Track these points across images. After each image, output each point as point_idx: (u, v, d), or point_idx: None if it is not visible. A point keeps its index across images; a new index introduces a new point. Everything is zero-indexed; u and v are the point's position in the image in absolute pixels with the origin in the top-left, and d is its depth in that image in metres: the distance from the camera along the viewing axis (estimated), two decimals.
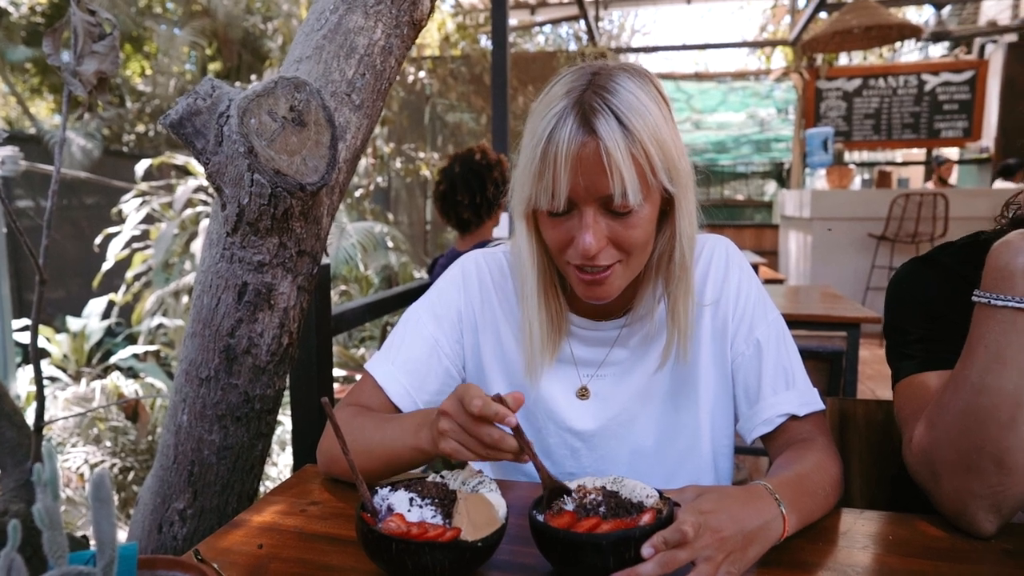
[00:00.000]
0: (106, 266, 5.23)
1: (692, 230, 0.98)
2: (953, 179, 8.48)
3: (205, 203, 5.11)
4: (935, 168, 7.72)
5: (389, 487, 0.81)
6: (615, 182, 0.87)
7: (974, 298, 0.86)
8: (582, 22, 8.42)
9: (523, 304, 1.04)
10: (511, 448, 0.79)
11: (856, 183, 9.11)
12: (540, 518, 0.75)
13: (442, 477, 0.85)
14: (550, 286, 1.04)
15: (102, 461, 3.03)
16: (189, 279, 4.77)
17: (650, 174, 0.90)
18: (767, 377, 1.04)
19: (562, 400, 1.10)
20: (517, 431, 0.79)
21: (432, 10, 1.32)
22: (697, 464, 1.11)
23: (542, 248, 1.01)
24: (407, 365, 1.09)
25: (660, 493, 0.78)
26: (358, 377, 4.40)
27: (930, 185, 7.73)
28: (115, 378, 3.92)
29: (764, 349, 1.05)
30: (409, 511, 0.77)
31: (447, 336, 1.12)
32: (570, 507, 0.77)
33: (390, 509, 0.77)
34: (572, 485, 0.82)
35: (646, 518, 0.73)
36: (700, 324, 1.08)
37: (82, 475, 3.00)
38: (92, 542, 2.35)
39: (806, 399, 1.03)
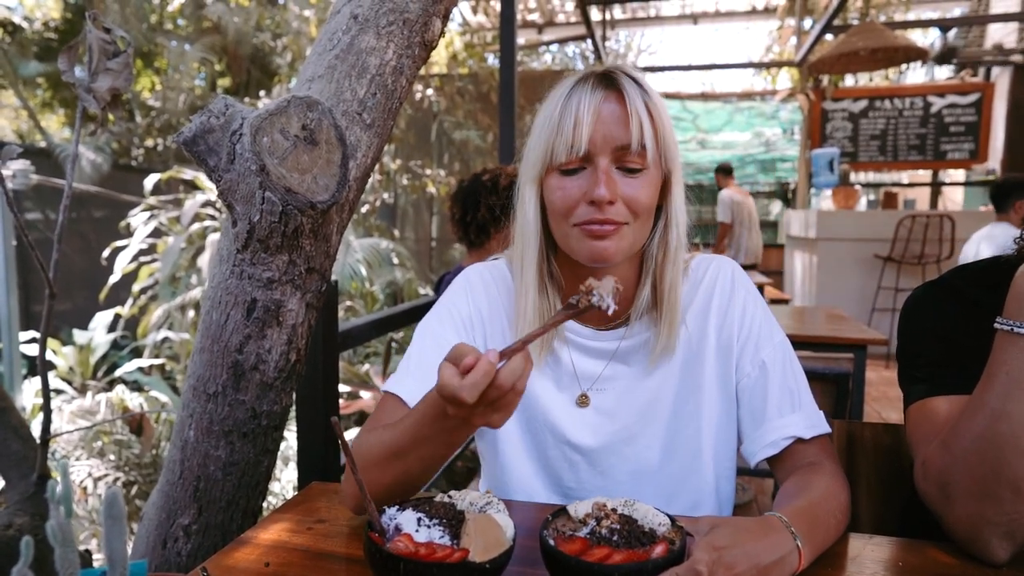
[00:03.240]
0: (113, 279, 5.25)
1: (683, 222, 1.03)
2: (959, 201, 8.48)
3: (213, 218, 5.14)
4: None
5: (397, 507, 0.81)
6: (634, 130, 0.94)
7: (996, 325, 0.85)
8: (589, 42, 8.49)
9: (520, 278, 1.06)
10: (521, 388, 0.75)
11: (862, 204, 9.13)
12: (551, 541, 0.74)
13: (450, 497, 0.84)
14: (546, 275, 1.06)
15: (106, 475, 3.02)
16: (195, 293, 4.78)
17: (661, 137, 0.98)
18: (772, 399, 1.04)
19: (562, 412, 1.09)
20: (503, 354, 0.75)
21: (443, 31, 1.34)
22: (698, 486, 1.09)
23: (544, 222, 1.05)
24: (430, 372, 1.06)
25: (672, 521, 0.78)
26: (363, 393, 4.40)
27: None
28: (120, 391, 3.93)
29: (770, 371, 1.05)
30: (417, 531, 0.76)
31: (462, 340, 1.10)
32: (583, 532, 0.77)
33: (398, 529, 0.77)
34: (586, 505, 0.81)
35: (658, 550, 0.72)
36: (705, 345, 1.08)
37: (85, 488, 2.99)
38: (95, 556, 2.35)
39: (812, 422, 1.02)
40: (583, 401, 1.09)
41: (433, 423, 0.84)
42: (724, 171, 7.55)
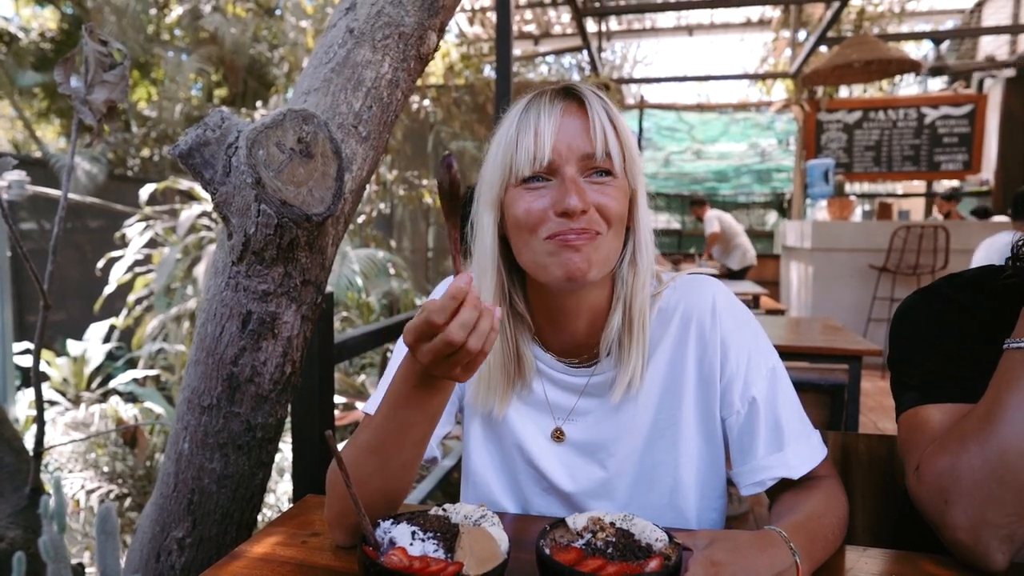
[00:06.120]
0: (108, 290, 5.23)
1: (650, 242, 1.00)
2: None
3: (208, 228, 5.13)
4: (939, 202, 7.72)
5: (391, 520, 0.81)
6: (598, 137, 0.92)
7: (1006, 345, 0.85)
8: (585, 53, 8.52)
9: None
10: (491, 323, 0.74)
11: (857, 214, 9.16)
12: (547, 551, 0.74)
13: (444, 510, 0.84)
14: (507, 306, 1.03)
15: (99, 487, 3.01)
16: (191, 304, 4.77)
17: (627, 149, 0.95)
18: (761, 437, 0.99)
19: (535, 444, 1.06)
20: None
21: (438, 45, 1.34)
22: (676, 521, 1.04)
23: (504, 252, 1.01)
24: None
25: (670, 536, 0.77)
26: (358, 404, 4.39)
27: (940, 216, 7.78)
28: (114, 403, 3.91)
29: (761, 408, 0.99)
30: (411, 545, 0.76)
31: None
32: (579, 543, 0.77)
33: (392, 542, 0.77)
34: (584, 517, 0.81)
35: (653, 564, 0.72)
36: (683, 378, 1.03)
37: (78, 501, 2.97)
38: (88, 570, 2.33)
39: (803, 458, 0.97)
40: (558, 436, 1.06)
41: (406, 393, 0.82)
42: (697, 203, 8.04)
